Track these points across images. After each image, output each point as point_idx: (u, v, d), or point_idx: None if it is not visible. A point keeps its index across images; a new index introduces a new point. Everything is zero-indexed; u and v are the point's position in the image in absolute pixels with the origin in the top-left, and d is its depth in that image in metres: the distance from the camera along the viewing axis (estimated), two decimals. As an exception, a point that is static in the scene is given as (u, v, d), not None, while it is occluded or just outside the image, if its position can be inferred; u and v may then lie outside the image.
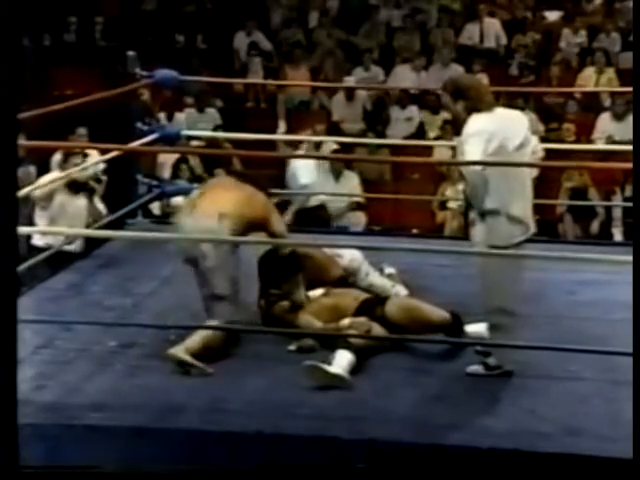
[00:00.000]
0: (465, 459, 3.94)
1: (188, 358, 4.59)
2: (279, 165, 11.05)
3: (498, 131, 4.58)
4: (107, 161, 7.35)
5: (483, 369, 4.65)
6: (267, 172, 10.61)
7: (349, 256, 5.51)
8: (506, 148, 4.58)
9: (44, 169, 8.36)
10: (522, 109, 9.99)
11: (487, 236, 4.56)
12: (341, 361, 4.54)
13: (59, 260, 6.40)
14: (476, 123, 4.59)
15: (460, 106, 4.67)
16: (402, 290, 5.52)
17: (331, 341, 4.80)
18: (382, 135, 11.45)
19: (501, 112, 4.74)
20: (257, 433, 4.02)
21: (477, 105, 4.64)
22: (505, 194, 4.56)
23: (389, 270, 5.68)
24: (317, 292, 5.30)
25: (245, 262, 5.32)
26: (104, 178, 7.46)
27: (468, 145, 4.54)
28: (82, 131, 9.12)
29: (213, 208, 4.87)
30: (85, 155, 7.72)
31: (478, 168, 4.51)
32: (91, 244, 6.84)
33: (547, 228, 9.94)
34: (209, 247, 4.79)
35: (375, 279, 5.52)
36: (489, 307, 4.65)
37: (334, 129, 11.51)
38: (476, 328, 4.87)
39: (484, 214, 4.55)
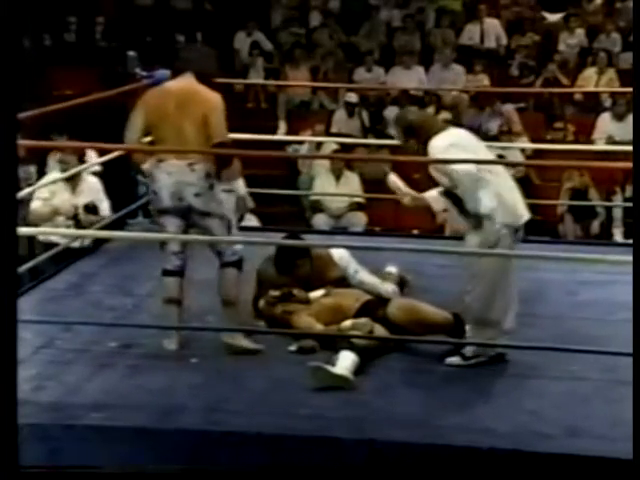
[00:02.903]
0: (466, 459, 3.94)
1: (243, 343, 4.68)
2: (279, 165, 11.07)
3: (466, 144, 4.80)
4: (107, 161, 7.35)
5: (461, 359, 4.72)
6: (267, 172, 10.65)
7: (337, 254, 5.52)
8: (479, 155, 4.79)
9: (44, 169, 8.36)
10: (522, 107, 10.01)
11: (482, 242, 4.64)
12: (345, 362, 4.54)
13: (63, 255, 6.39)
14: (444, 140, 4.73)
15: (413, 142, 4.83)
16: (391, 287, 5.49)
17: (332, 342, 4.80)
18: (382, 135, 11.44)
19: (454, 130, 4.92)
20: (258, 433, 4.02)
21: (429, 136, 4.76)
22: (500, 193, 4.66)
23: (390, 269, 5.66)
24: (318, 293, 5.30)
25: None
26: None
27: (451, 156, 4.65)
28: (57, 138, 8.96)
29: (182, 160, 4.89)
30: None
31: (470, 169, 4.58)
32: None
33: (547, 228, 9.95)
34: (196, 200, 4.89)
35: (364, 276, 5.51)
36: (472, 314, 4.74)
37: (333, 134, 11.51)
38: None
39: (480, 218, 4.62)
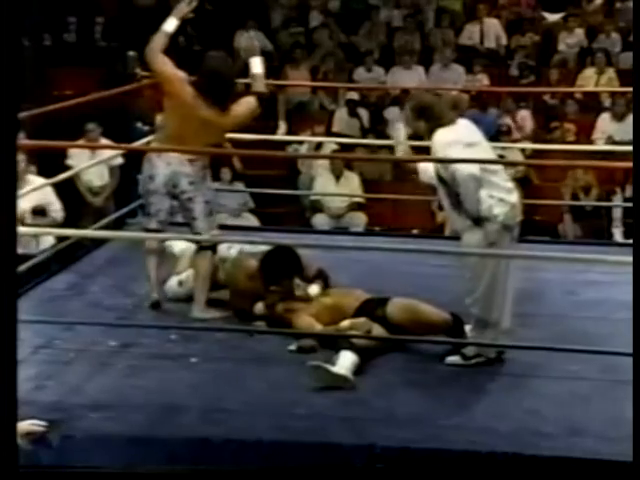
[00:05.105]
0: (466, 461, 3.94)
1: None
2: (279, 165, 11.06)
3: (469, 142, 4.77)
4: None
5: (461, 359, 4.73)
6: (267, 172, 10.65)
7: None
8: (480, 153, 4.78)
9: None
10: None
11: (481, 241, 4.64)
12: (345, 362, 4.54)
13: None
14: (447, 135, 4.72)
15: (421, 124, 4.83)
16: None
17: (332, 342, 4.80)
18: (382, 135, 11.44)
19: (462, 122, 4.90)
20: (257, 434, 4.01)
21: (438, 123, 4.78)
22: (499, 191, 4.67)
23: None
24: (314, 289, 5.28)
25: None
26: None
27: (453, 154, 4.63)
28: (91, 126, 8.95)
29: (183, 154, 5.33)
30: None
31: (473, 171, 4.58)
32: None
33: (547, 228, 9.95)
34: (189, 187, 5.33)
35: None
36: (473, 315, 4.77)
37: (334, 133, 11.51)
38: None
39: (479, 218, 4.62)
